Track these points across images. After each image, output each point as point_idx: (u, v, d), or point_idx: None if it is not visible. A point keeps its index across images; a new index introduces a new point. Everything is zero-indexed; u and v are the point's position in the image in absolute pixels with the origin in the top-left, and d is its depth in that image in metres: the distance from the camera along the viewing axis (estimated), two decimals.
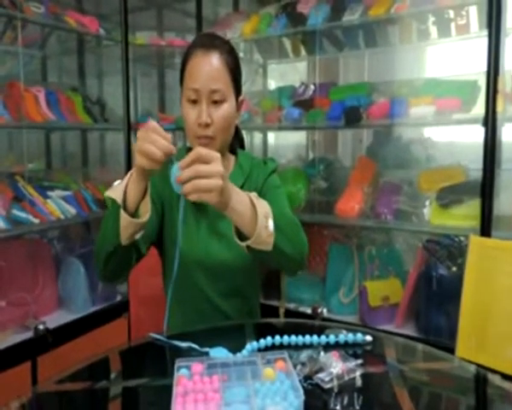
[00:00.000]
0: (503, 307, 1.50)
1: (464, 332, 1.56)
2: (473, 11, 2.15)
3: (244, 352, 0.95)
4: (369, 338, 1.04)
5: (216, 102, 1.14)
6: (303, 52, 2.82)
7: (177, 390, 0.76)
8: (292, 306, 2.34)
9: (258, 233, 0.98)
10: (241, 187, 1.26)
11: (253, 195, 1.03)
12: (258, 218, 0.98)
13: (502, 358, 1.42)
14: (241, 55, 3.01)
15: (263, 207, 1.01)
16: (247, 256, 1.21)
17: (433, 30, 2.32)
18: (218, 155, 0.93)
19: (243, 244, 1.01)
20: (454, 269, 1.97)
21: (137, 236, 1.03)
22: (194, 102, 1.15)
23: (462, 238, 2.01)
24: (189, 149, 1.30)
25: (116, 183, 1.05)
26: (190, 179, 0.90)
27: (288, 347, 1.00)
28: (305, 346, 1.01)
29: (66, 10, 2.37)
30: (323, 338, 1.03)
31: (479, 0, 1.98)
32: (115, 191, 0.99)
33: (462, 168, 2.14)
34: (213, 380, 0.80)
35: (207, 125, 1.14)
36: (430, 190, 2.13)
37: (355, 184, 2.32)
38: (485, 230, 1.83)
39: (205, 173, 0.90)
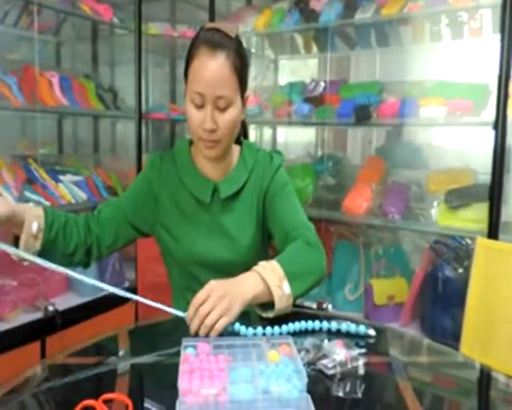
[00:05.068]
0: (509, 310, 1.50)
1: (468, 334, 1.56)
2: (487, 15, 2.15)
3: (256, 330, 0.98)
4: (372, 332, 1.04)
5: (221, 107, 1.11)
6: (314, 49, 2.83)
7: (183, 368, 0.77)
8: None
9: (279, 306, 1.03)
10: (245, 183, 1.25)
11: (261, 267, 1.06)
12: (274, 294, 1.02)
13: (505, 361, 1.42)
14: (252, 50, 3.03)
15: (274, 276, 1.04)
16: (248, 254, 1.23)
17: (446, 32, 2.32)
18: (210, 285, 0.97)
19: (268, 316, 1.06)
20: (460, 271, 1.98)
21: (34, 249, 1.09)
22: (199, 105, 1.11)
23: (469, 241, 2.02)
24: (191, 143, 1.28)
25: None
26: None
27: (293, 334, 1.01)
28: (308, 332, 1.03)
29: None
30: (326, 324, 1.04)
31: (493, 3, 1.97)
32: None
33: (470, 171, 2.14)
34: (219, 360, 0.81)
35: (212, 131, 1.11)
36: (438, 191, 2.13)
37: (363, 183, 2.33)
38: (493, 233, 1.83)
39: (208, 311, 0.94)
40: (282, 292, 1.04)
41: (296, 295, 1.07)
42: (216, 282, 0.98)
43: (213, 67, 1.08)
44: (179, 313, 0.98)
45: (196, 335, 0.95)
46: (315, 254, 1.16)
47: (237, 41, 1.14)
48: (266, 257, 1.29)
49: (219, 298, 0.95)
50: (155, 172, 1.26)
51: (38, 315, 2.02)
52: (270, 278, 1.04)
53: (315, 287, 1.14)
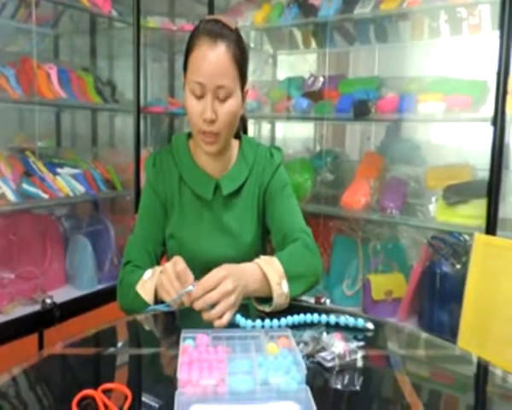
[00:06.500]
0: (506, 306, 1.50)
1: (466, 330, 1.56)
2: (486, 11, 2.15)
3: (255, 322, 0.99)
4: (370, 325, 1.04)
5: (221, 98, 1.10)
6: (313, 44, 2.83)
7: (182, 359, 0.78)
8: None
9: (276, 302, 1.05)
10: (246, 180, 1.25)
11: (263, 261, 1.07)
12: (274, 291, 1.04)
13: (502, 356, 1.43)
14: (251, 44, 3.02)
15: (275, 273, 1.06)
16: (249, 251, 1.23)
17: (445, 28, 2.32)
18: (222, 273, 0.97)
19: (264, 309, 1.07)
20: (458, 267, 1.98)
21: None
22: (199, 95, 1.10)
23: (467, 237, 2.02)
24: (190, 135, 1.27)
25: (146, 276, 1.09)
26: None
27: (291, 326, 1.01)
28: (306, 325, 1.03)
29: None
30: (324, 317, 1.04)
31: None
32: (145, 290, 1.07)
33: (469, 167, 2.14)
34: (218, 351, 0.81)
35: (212, 121, 1.10)
36: (436, 187, 2.14)
37: (361, 178, 2.33)
38: (491, 229, 1.83)
39: (213, 302, 0.95)
40: (281, 290, 1.05)
41: (292, 296, 1.08)
42: (228, 271, 0.98)
43: (214, 57, 1.08)
44: (189, 288, 0.97)
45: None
46: (313, 258, 1.18)
47: (237, 33, 1.15)
48: (264, 253, 1.29)
49: (228, 293, 0.96)
50: (158, 176, 1.25)
51: (36, 308, 2.01)
52: (270, 275, 1.05)
53: (309, 291, 1.16)
